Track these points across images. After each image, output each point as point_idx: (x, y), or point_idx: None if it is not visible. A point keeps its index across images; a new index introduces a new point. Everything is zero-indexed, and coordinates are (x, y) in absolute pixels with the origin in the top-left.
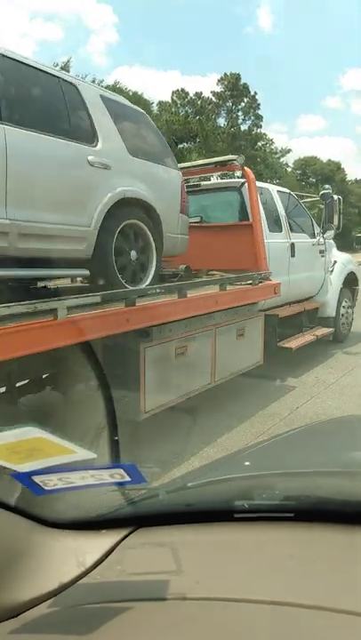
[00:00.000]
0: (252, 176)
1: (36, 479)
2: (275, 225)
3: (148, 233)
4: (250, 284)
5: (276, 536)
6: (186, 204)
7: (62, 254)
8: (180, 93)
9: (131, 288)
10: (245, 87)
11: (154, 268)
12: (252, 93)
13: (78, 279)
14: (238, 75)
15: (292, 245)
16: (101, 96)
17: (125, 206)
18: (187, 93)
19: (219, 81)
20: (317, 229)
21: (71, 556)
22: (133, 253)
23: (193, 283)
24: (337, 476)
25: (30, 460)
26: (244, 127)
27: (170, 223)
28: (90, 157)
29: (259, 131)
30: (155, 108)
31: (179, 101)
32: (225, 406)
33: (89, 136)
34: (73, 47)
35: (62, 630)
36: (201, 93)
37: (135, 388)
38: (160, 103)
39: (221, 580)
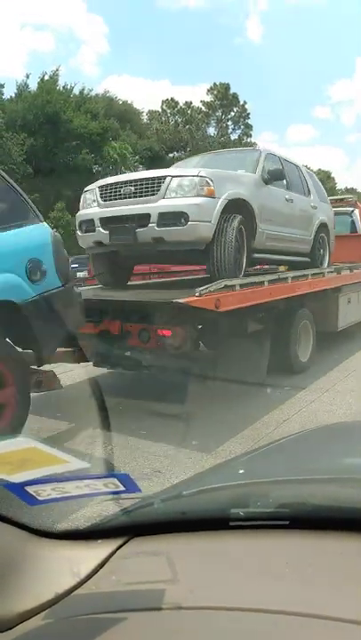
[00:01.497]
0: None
1: (30, 489)
2: None
3: (326, 239)
4: None
5: (272, 544)
6: (335, 223)
7: (301, 250)
8: (170, 103)
9: (325, 267)
10: (235, 97)
11: (328, 259)
12: (242, 103)
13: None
14: (228, 84)
15: None
16: (305, 169)
17: (320, 227)
18: (176, 103)
19: (208, 90)
20: None
21: (66, 566)
22: (321, 251)
23: (353, 266)
24: (331, 483)
25: (23, 470)
26: (234, 136)
27: (331, 234)
28: (311, 203)
29: (249, 140)
30: (145, 117)
31: (168, 110)
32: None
33: (307, 192)
34: (64, 57)
35: None
36: (191, 103)
37: (335, 315)
38: (150, 112)
39: (216, 589)
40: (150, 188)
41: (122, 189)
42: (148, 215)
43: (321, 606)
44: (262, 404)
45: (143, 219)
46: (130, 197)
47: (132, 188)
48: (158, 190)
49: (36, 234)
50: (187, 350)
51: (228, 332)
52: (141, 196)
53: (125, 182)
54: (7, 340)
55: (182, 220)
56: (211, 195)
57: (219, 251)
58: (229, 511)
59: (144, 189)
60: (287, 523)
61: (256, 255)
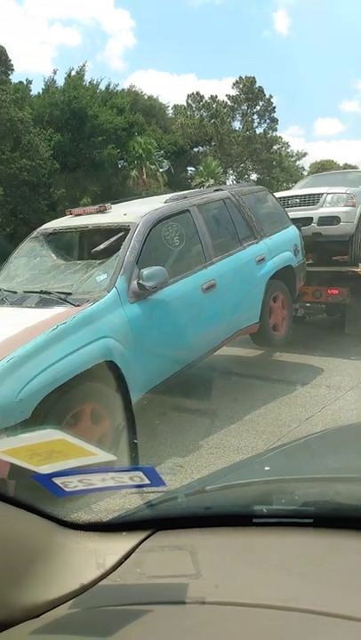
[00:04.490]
0: None
1: (57, 481)
2: None
3: None
4: None
5: (295, 542)
6: None
7: None
8: (195, 97)
9: None
10: (261, 90)
11: None
12: (268, 96)
13: None
14: (253, 78)
15: None
16: None
17: None
18: (202, 97)
19: (234, 84)
20: None
21: (91, 557)
22: None
23: None
24: (357, 482)
25: (51, 461)
26: (259, 130)
27: None
28: None
29: (274, 134)
30: (170, 111)
31: (194, 105)
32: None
33: None
34: (91, 52)
35: (82, 632)
36: (216, 97)
37: None
38: (175, 107)
39: (240, 585)
40: (312, 200)
41: (290, 201)
42: (311, 218)
43: (345, 605)
44: (285, 402)
45: (307, 220)
46: (296, 206)
47: (298, 200)
48: (318, 202)
49: (293, 230)
50: (345, 302)
51: None
52: (305, 205)
53: (292, 196)
54: (283, 284)
55: (335, 222)
56: (353, 205)
57: (357, 241)
58: (253, 508)
59: (307, 201)
60: (312, 521)
61: None
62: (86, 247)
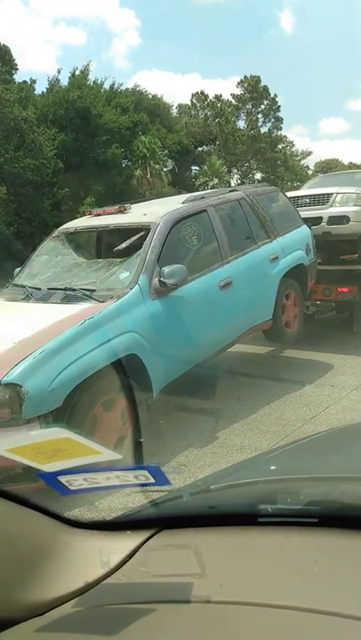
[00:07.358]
0: None
1: (62, 479)
2: None
3: None
4: None
5: (300, 541)
6: None
7: None
8: (200, 96)
9: None
10: (265, 89)
11: None
12: (272, 95)
13: None
14: (258, 77)
15: None
16: None
17: None
18: (206, 96)
19: (238, 83)
20: None
21: (95, 556)
22: None
23: None
24: None
25: (56, 459)
26: (264, 129)
27: None
28: None
29: (279, 133)
30: (174, 110)
31: (198, 104)
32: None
33: None
34: (96, 51)
35: (86, 630)
36: (220, 96)
37: None
38: (179, 106)
39: (245, 584)
40: (321, 200)
41: (300, 200)
42: (321, 217)
43: (349, 605)
44: (290, 401)
45: (317, 219)
46: (306, 206)
47: (308, 200)
48: (328, 201)
49: (305, 229)
50: (354, 300)
51: None
52: (315, 205)
53: (303, 196)
54: (296, 282)
55: (345, 221)
56: None
57: None
58: (258, 507)
59: (317, 201)
60: (316, 520)
61: None
62: (107, 246)
